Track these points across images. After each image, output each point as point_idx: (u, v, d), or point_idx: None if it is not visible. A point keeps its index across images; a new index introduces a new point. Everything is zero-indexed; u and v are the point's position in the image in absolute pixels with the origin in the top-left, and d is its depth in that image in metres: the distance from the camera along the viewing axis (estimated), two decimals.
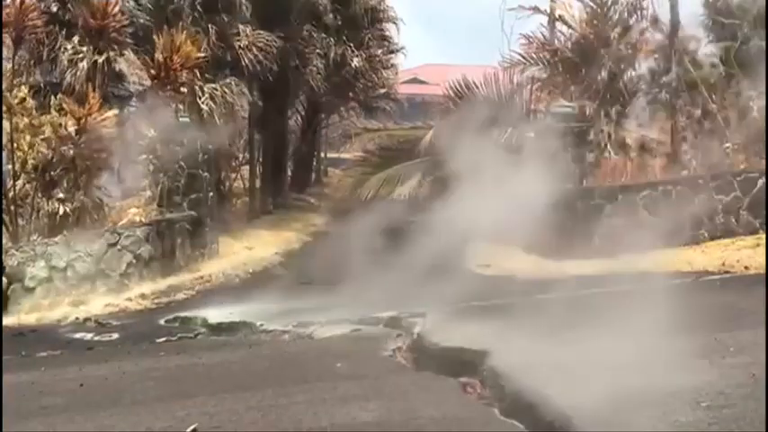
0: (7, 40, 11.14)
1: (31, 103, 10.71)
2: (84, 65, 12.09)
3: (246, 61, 14.01)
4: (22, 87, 10.75)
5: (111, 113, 11.19)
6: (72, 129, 10.38)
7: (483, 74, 15.42)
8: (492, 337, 6.00)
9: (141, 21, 15.04)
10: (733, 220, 11.90)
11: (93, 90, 11.37)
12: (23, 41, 11.35)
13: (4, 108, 10.17)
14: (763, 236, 11.12)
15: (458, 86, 15.47)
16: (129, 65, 12.90)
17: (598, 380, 4.69)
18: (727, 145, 13.42)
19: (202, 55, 12.44)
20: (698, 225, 11.76)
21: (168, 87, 12.00)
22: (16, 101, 10.40)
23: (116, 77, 13.37)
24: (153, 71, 12.01)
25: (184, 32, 12.59)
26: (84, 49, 12.29)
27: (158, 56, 11.86)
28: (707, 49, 16.44)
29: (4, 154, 10.58)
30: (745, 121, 13.74)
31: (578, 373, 4.88)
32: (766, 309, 5.77)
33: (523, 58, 15.54)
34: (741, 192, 11.94)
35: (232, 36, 14.19)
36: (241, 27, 14.33)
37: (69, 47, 12.50)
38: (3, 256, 9.19)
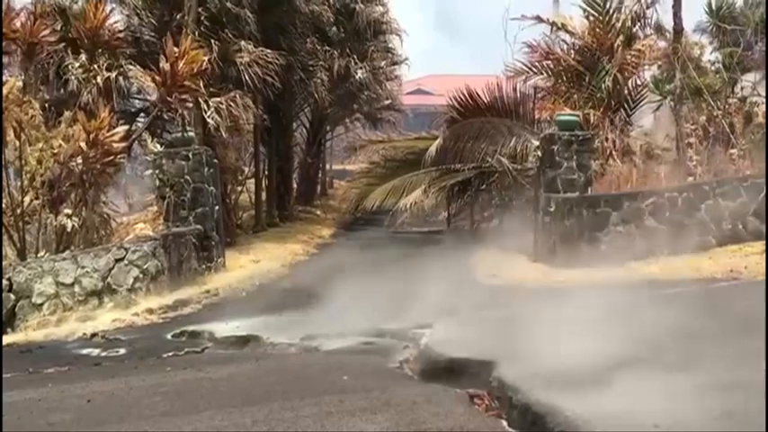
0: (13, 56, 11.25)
1: (39, 119, 10.78)
2: (99, 80, 12.20)
3: (247, 78, 14.08)
4: (33, 103, 10.82)
5: (121, 129, 11.24)
6: (83, 143, 10.41)
7: (486, 83, 15.44)
8: (500, 347, 5.97)
9: (146, 37, 15.21)
10: (740, 226, 11.84)
11: (106, 105, 11.43)
12: (35, 57, 11.40)
13: (14, 123, 10.22)
14: None
15: (462, 96, 15.49)
16: (133, 79, 13.00)
17: (608, 390, 4.67)
18: (733, 151, 13.40)
19: (206, 58, 12.43)
20: (705, 231, 11.72)
21: (174, 96, 11.95)
22: (26, 117, 10.45)
23: (123, 94, 13.51)
24: (158, 78, 11.97)
25: (189, 38, 12.61)
26: (95, 66, 12.42)
27: (164, 64, 11.82)
28: (711, 56, 16.46)
29: (12, 170, 10.65)
30: (750, 126, 13.71)
31: (586, 382, 4.85)
32: (766, 309, 5.72)
33: (527, 66, 15.59)
34: (748, 197, 11.89)
35: (234, 53, 14.26)
36: (243, 44, 14.40)
37: (77, 64, 12.61)
38: (10, 273, 9.23)
